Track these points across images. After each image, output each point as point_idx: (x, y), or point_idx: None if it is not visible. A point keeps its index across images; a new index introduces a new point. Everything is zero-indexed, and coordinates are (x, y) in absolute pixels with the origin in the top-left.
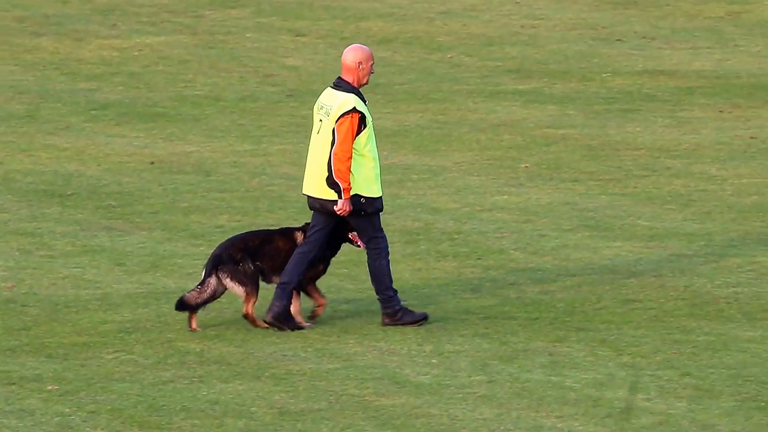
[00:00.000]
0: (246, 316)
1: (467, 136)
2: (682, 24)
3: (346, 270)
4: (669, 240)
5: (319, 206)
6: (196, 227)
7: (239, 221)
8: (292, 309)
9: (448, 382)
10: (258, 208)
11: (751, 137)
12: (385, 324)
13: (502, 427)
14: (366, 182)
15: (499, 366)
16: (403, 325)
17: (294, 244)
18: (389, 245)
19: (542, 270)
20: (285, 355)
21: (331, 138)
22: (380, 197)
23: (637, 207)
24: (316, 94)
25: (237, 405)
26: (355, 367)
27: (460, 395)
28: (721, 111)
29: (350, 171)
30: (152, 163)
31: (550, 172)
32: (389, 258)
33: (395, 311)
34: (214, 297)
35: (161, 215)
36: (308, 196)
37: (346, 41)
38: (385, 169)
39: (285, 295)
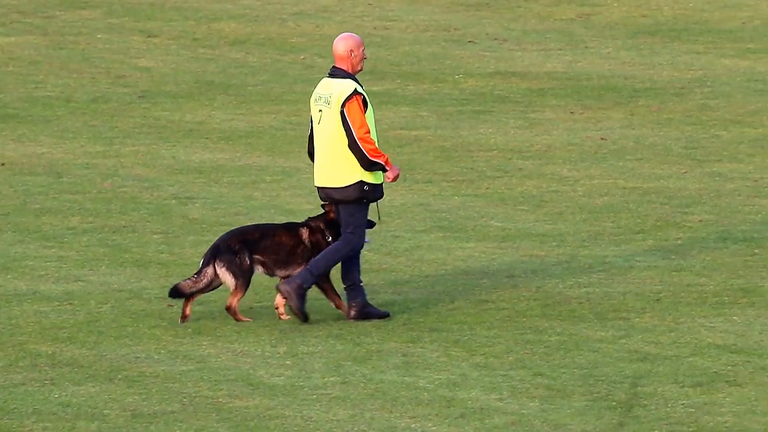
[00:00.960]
0: (228, 308)
1: None
2: (533, 26)
3: None
4: (521, 241)
5: (324, 195)
6: (48, 229)
7: (91, 223)
8: (280, 299)
9: (301, 384)
10: (110, 210)
11: (602, 138)
12: (279, 289)
13: (355, 428)
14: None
15: (353, 367)
16: (291, 309)
17: (298, 239)
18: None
19: (396, 271)
20: (138, 357)
21: (336, 126)
22: (381, 184)
23: (489, 208)
24: (169, 96)
25: (89, 407)
26: (209, 368)
27: (314, 396)
28: (572, 112)
29: (374, 146)
30: (2, 164)
31: (403, 173)
32: (347, 259)
33: (299, 286)
34: (209, 287)
35: (12, 217)
36: (318, 188)
37: (198, 42)
38: (238, 171)
39: (357, 293)
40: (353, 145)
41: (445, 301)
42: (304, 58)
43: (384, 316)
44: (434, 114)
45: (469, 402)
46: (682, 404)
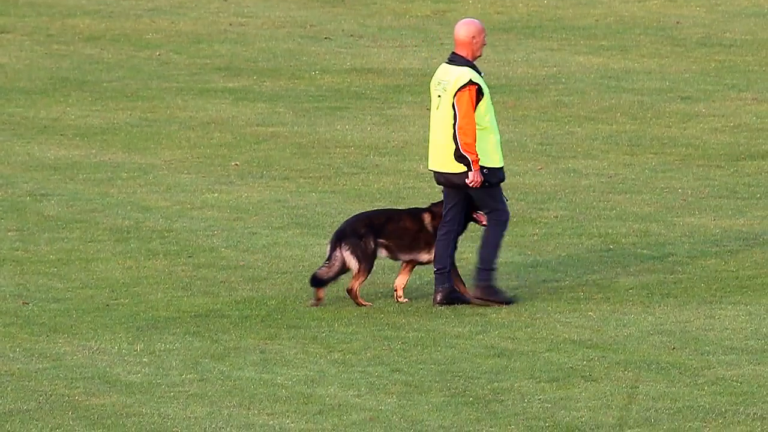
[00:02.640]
0: (350, 291)
1: (177, 134)
2: (389, 22)
3: (55, 269)
4: None
5: (444, 180)
6: None
7: None
8: (400, 281)
9: (159, 381)
10: None
11: None
12: (475, 297)
13: (213, 426)
14: (488, 153)
15: (211, 364)
16: (488, 301)
17: (421, 224)
18: None
19: (253, 268)
20: None
21: (452, 112)
22: (502, 167)
23: (346, 204)
24: (23, 92)
25: None
26: (65, 366)
27: (172, 394)
28: (428, 109)
29: (475, 143)
30: None
31: (260, 170)
32: (504, 234)
33: (489, 286)
34: (343, 270)
35: None
36: (434, 172)
37: (53, 38)
38: (94, 167)
39: (445, 279)
40: (454, 133)
41: (303, 298)
42: (159, 54)
43: (469, 301)
44: (291, 110)
45: (327, 398)
46: (539, 399)
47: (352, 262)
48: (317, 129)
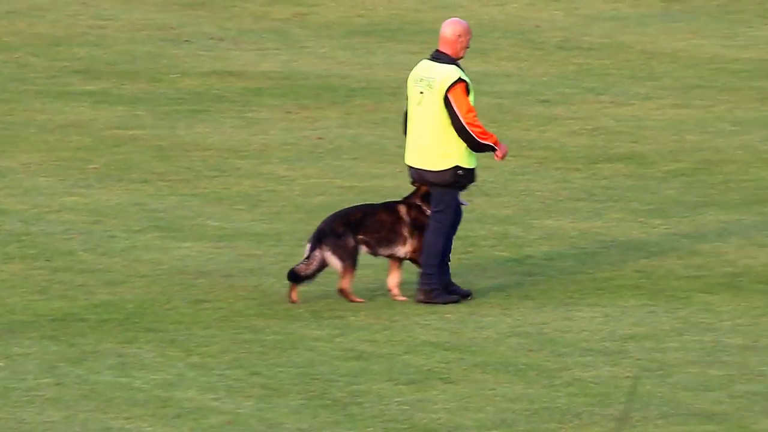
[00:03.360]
0: (341, 291)
1: (35, 137)
2: (249, 25)
3: None
4: (238, 240)
5: (418, 177)
6: None
7: None
8: (392, 281)
9: (14, 385)
10: None
11: (318, 138)
12: (418, 300)
13: (69, 430)
14: (466, 153)
15: (68, 368)
16: (435, 304)
17: (397, 216)
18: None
19: (112, 271)
20: None
21: (441, 110)
22: (474, 169)
23: (206, 207)
24: None
25: None
26: None
27: (27, 398)
28: (288, 112)
29: (482, 128)
30: None
31: (119, 173)
32: (452, 238)
33: (431, 289)
34: (320, 269)
35: None
36: (409, 167)
37: None
38: None
39: (443, 271)
40: (461, 131)
41: (162, 301)
42: (17, 57)
43: (456, 301)
44: (150, 113)
45: (185, 402)
46: (397, 402)
47: (335, 263)
48: (177, 132)
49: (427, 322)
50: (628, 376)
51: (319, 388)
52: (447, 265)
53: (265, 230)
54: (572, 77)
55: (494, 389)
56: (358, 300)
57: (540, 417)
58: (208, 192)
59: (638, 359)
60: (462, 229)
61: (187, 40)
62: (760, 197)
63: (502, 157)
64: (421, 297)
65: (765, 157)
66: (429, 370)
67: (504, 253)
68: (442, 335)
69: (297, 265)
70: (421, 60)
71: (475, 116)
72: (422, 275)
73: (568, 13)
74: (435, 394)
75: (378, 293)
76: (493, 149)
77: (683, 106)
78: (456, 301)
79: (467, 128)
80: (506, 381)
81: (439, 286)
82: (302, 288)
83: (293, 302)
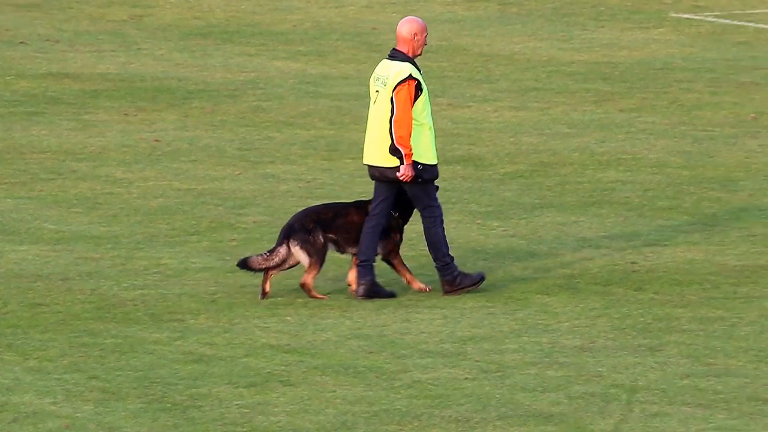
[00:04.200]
0: (303, 285)
1: None
2: (85, 27)
3: None
4: (76, 243)
5: (379, 174)
6: None
7: None
8: (352, 277)
9: None
10: None
11: (156, 140)
12: (446, 292)
13: None
14: (424, 150)
15: None
16: (462, 289)
17: (366, 216)
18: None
19: None
20: None
21: (390, 107)
22: (437, 165)
23: (43, 210)
24: None
25: None
26: None
27: None
28: (126, 114)
29: (410, 137)
30: None
31: None
32: (444, 226)
33: (454, 277)
34: (281, 265)
35: None
36: (369, 166)
37: None
38: None
39: (368, 272)
40: (390, 126)
41: None
42: None
43: (391, 295)
44: None
45: (23, 406)
46: (237, 405)
47: (303, 257)
48: (13, 134)
49: (267, 325)
50: (467, 378)
51: (159, 392)
52: (372, 266)
53: (102, 233)
54: None
55: (334, 391)
56: (320, 296)
57: (380, 419)
58: (45, 195)
59: (477, 361)
60: None
61: (22, 42)
62: (596, 199)
63: (402, 177)
64: (448, 288)
65: (600, 159)
66: (269, 372)
67: (344, 256)
68: (282, 338)
69: (255, 255)
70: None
71: (406, 120)
72: (440, 269)
73: (405, 15)
74: (275, 397)
75: (218, 296)
76: (401, 161)
77: (520, 108)
78: (482, 279)
79: (392, 127)
80: (346, 383)
81: (459, 271)
82: (143, 291)
83: (266, 295)
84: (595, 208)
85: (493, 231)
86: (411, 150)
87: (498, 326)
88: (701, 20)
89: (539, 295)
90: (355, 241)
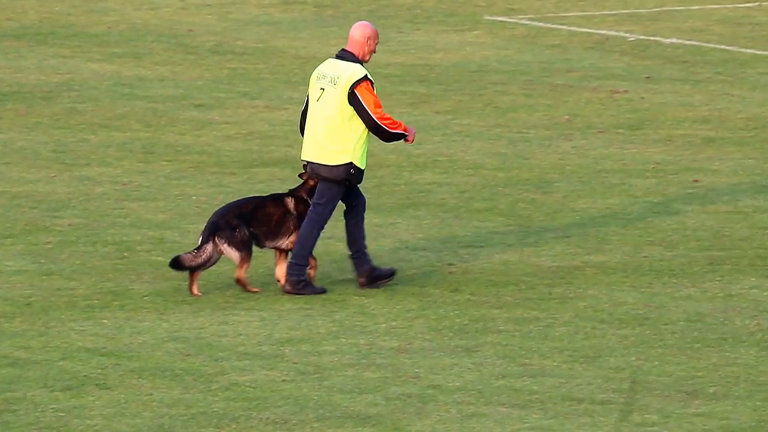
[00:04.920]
0: (238, 281)
1: None
2: None
3: None
4: None
5: (311, 171)
6: None
7: None
8: (280, 271)
9: None
10: None
11: None
12: (286, 291)
13: None
14: (362, 154)
15: None
16: (302, 295)
17: (285, 209)
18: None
19: None
20: None
21: (340, 107)
22: (364, 170)
23: None
24: None
25: None
26: None
27: None
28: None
29: (391, 119)
30: None
31: None
32: (352, 226)
33: (299, 281)
34: (208, 262)
35: None
36: (305, 162)
37: None
38: None
39: (363, 261)
40: (373, 126)
41: None
42: None
43: (392, 273)
44: None
45: None
46: (52, 408)
47: (233, 254)
48: None
49: (83, 328)
50: (284, 380)
51: None
52: (365, 253)
53: None
54: (226, 81)
55: (151, 394)
56: (254, 290)
57: (197, 422)
58: None
59: (294, 363)
60: (117, 234)
61: None
62: (412, 201)
63: (413, 139)
64: (289, 288)
65: (417, 161)
66: (85, 376)
67: (160, 258)
68: (98, 341)
69: (184, 254)
70: (327, 59)
71: (382, 110)
72: (292, 266)
73: (221, 17)
74: (91, 401)
75: (33, 299)
76: (404, 136)
77: None
78: (322, 292)
79: (378, 123)
80: (163, 386)
81: (306, 278)
82: None
83: (194, 295)
84: (412, 210)
85: None
86: (402, 123)
87: (316, 328)
88: (515, 23)
89: (357, 297)
90: (274, 234)
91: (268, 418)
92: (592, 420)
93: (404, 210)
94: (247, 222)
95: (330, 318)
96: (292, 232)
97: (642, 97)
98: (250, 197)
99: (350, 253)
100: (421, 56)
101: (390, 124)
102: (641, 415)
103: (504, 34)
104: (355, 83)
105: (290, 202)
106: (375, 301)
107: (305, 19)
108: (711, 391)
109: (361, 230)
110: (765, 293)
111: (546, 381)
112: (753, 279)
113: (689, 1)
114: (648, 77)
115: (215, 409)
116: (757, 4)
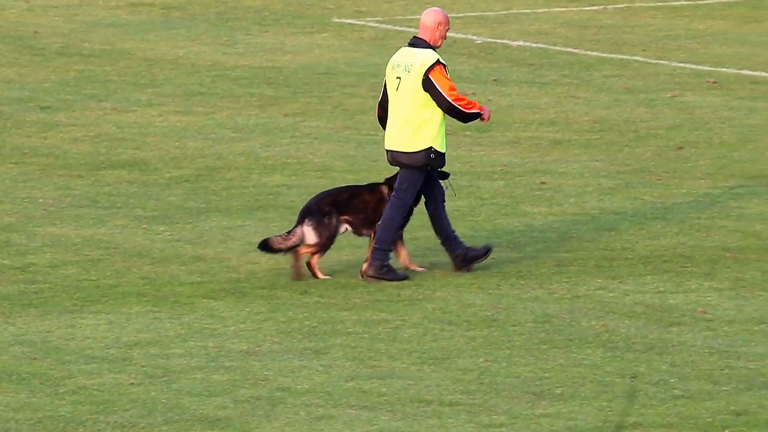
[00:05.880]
0: (309, 265)
1: None
2: None
3: None
4: None
5: (392, 159)
6: None
7: None
8: (402, 257)
9: None
10: None
11: None
12: (368, 276)
13: None
14: (440, 137)
15: None
16: (382, 280)
17: (381, 196)
18: None
19: None
20: None
21: (417, 93)
22: (445, 154)
23: None
24: None
25: None
26: None
27: None
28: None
29: (467, 100)
30: None
31: None
32: (434, 215)
33: (382, 265)
34: (298, 245)
35: None
36: (387, 151)
37: None
38: None
39: (456, 245)
40: (449, 109)
41: None
42: None
43: (487, 251)
44: None
45: None
46: None
47: (313, 238)
48: None
49: None
50: (132, 383)
51: None
52: (455, 237)
53: None
54: (73, 83)
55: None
56: (323, 276)
57: (44, 426)
58: None
59: (143, 366)
60: None
61: None
62: (261, 203)
63: (488, 118)
64: (372, 272)
65: (266, 164)
66: None
67: (6, 261)
68: None
69: (274, 236)
70: (400, 47)
71: (457, 92)
72: (375, 251)
73: (68, 19)
74: None
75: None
76: (480, 116)
77: (185, 112)
78: (405, 278)
79: (454, 104)
80: (9, 390)
81: (389, 263)
82: None
83: (299, 278)
84: (261, 212)
85: (159, 236)
86: (477, 103)
87: (164, 331)
88: (364, 25)
89: (205, 300)
90: (369, 222)
91: (115, 422)
92: (440, 421)
93: (253, 212)
94: (340, 210)
95: (178, 321)
96: None
97: (489, 100)
98: (346, 186)
99: (440, 241)
100: (269, 58)
101: (465, 105)
102: (489, 416)
103: (352, 37)
104: (428, 68)
105: (385, 190)
106: (224, 303)
107: (153, 21)
108: (558, 391)
109: (444, 218)
110: (611, 294)
111: (395, 383)
112: (599, 280)
113: (535, 4)
114: (495, 80)
115: (62, 413)
116: (602, 7)
